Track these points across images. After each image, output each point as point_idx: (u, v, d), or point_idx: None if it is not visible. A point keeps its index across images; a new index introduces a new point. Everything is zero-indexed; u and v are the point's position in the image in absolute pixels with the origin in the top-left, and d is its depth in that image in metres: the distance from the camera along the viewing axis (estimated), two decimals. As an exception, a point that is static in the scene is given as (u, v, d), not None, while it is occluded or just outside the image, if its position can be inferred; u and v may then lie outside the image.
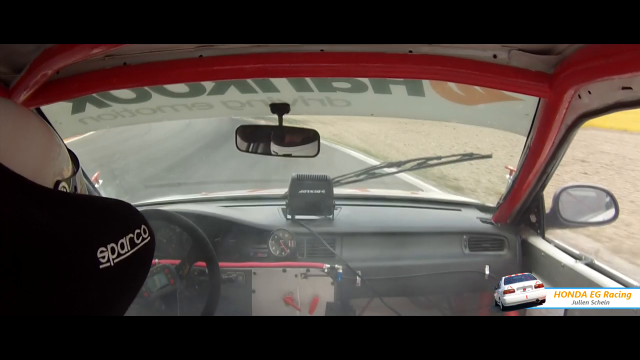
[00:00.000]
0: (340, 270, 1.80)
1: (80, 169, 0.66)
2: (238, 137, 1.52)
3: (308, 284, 1.83)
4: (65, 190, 0.60)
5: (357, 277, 1.80)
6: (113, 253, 0.57)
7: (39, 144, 0.59)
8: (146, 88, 1.38)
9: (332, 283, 1.82)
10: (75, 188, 0.63)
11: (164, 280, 1.71)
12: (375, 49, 1.03)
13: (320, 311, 1.83)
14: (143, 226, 0.62)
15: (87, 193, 0.68)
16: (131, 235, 0.60)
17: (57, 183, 0.59)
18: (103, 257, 0.56)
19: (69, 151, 0.66)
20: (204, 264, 1.73)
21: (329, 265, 1.81)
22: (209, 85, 1.39)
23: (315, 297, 1.83)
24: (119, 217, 0.61)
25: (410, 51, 1.03)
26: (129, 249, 0.59)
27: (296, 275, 1.83)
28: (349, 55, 1.04)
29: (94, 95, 1.40)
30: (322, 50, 1.04)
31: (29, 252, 0.51)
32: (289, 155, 1.51)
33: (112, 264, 0.57)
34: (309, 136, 1.50)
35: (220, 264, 1.74)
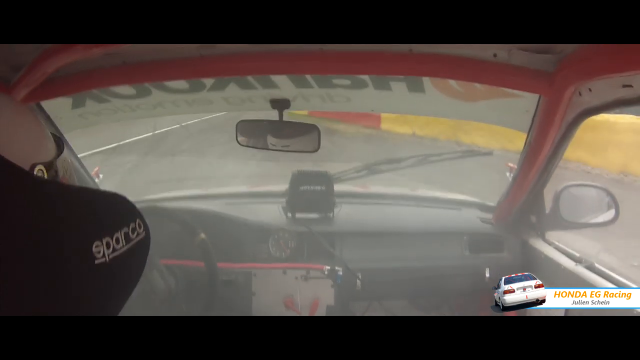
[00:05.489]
0: (340, 272, 1.78)
1: (64, 153, 0.63)
2: (238, 132, 1.52)
3: (308, 286, 1.82)
4: (42, 174, 0.57)
5: (357, 280, 1.79)
6: (108, 248, 0.54)
7: (24, 132, 0.57)
8: (146, 84, 1.38)
9: (332, 286, 1.81)
10: (56, 172, 0.60)
11: (161, 279, 1.69)
12: (375, 48, 1.02)
13: (320, 314, 1.82)
14: (138, 220, 0.59)
15: (72, 178, 0.65)
16: (126, 229, 0.57)
17: (34, 166, 0.56)
18: (99, 252, 0.53)
19: (55, 136, 0.63)
20: (202, 263, 1.71)
21: (329, 267, 1.79)
22: (209, 81, 1.38)
23: (316, 300, 1.82)
24: (113, 209, 0.58)
25: (411, 50, 1.03)
26: (124, 243, 0.56)
27: (296, 278, 1.81)
28: (348, 54, 1.04)
29: (94, 90, 1.40)
30: (321, 49, 1.04)
31: (23, 246, 0.50)
32: (289, 150, 1.51)
33: (108, 260, 0.54)
34: (309, 131, 1.50)
35: (219, 264, 1.72)
